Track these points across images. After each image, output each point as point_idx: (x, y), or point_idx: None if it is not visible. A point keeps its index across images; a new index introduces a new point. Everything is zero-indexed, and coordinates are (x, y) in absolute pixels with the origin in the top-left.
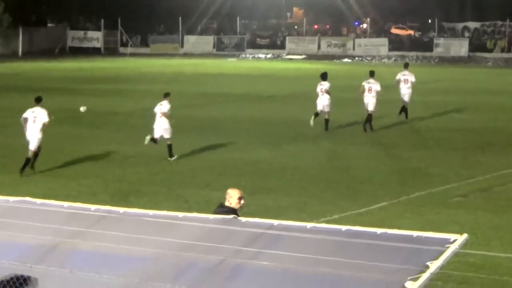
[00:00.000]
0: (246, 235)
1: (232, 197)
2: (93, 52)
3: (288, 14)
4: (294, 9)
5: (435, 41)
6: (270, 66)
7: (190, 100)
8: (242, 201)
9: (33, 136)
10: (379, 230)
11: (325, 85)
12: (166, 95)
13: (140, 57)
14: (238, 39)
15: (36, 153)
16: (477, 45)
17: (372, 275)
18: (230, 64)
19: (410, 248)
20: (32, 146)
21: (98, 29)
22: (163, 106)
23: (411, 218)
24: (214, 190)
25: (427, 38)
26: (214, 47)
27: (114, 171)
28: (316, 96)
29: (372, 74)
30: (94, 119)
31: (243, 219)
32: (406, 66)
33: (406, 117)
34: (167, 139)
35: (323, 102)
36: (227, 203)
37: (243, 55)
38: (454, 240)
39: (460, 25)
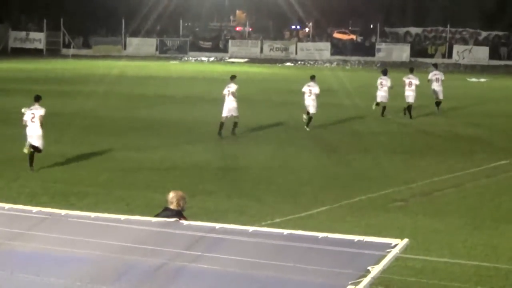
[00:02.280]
0: (188, 238)
1: (173, 200)
2: (36, 53)
3: (231, 17)
4: (237, 12)
5: (377, 46)
6: (213, 69)
7: (133, 102)
8: (183, 202)
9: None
10: (320, 234)
11: (384, 79)
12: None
13: (83, 58)
14: (181, 42)
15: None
16: (418, 50)
17: (313, 279)
18: (172, 67)
19: (351, 252)
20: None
21: (41, 30)
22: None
23: (352, 222)
24: (155, 192)
25: (369, 43)
26: (157, 49)
27: (55, 173)
28: (376, 89)
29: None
30: None
31: (184, 222)
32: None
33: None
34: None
35: (381, 93)
36: (170, 206)
37: (186, 58)
38: (395, 245)
39: (402, 30)
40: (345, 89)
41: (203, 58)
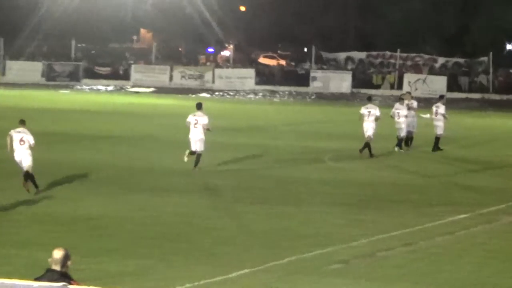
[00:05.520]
0: None
1: (57, 259)
2: None
3: (134, 37)
4: (142, 31)
5: (312, 74)
6: (112, 100)
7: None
8: (69, 262)
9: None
10: None
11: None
12: (369, 98)
13: None
14: (73, 67)
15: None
16: (362, 80)
17: None
18: (63, 97)
19: None
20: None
21: None
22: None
23: None
24: (39, 250)
25: (303, 70)
26: (43, 75)
27: None
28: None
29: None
30: None
31: (73, 286)
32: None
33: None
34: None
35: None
36: (54, 267)
37: (79, 86)
38: None
39: (342, 55)
40: (273, 126)
41: (100, 87)
